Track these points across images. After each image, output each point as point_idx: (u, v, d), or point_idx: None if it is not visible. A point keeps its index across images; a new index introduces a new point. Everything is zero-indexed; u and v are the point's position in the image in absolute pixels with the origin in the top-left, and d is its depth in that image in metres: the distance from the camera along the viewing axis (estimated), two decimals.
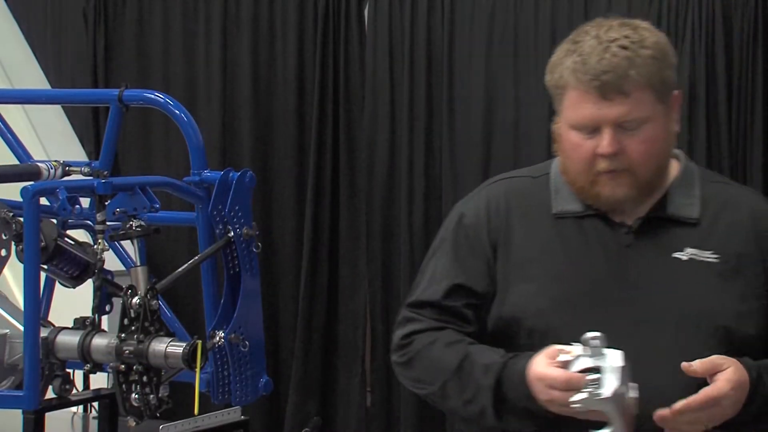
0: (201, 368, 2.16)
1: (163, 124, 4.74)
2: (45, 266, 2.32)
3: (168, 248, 4.61)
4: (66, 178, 2.59)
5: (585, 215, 1.87)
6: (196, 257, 2.44)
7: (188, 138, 2.57)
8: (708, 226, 1.86)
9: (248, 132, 4.83)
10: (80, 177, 2.53)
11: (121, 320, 2.18)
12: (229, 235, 2.42)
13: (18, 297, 2.71)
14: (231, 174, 2.44)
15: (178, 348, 2.16)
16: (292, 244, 4.83)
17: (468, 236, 1.93)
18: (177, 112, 2.58)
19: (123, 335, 2.17)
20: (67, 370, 2.27)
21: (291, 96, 4.82)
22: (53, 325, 2.31)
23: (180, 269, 2.38)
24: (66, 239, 2.35)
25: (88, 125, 4.88)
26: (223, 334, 2.36)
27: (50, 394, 2.24)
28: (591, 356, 1.67)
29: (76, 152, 4.76)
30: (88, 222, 2.68)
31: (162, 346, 2.16)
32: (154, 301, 2.20)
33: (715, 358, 1.72)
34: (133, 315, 2.18)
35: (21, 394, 2.14)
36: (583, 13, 4.51)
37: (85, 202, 2.45)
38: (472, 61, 4.57)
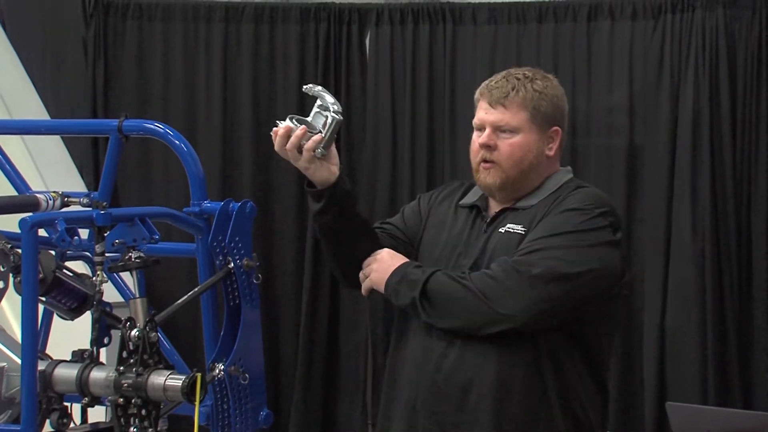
0: (200, 401, 2.15)
1: (163, 155, 4.75)
2: (43, 298, 2.31)
3: (167, 280, 4.61)
4: (65, 209, 2.58)
5: (472, 206, 2.67)
6: (196, 289, 2.43)
7: (188, 168, 2.57)
8: (531, 210, 2.56)
9: (249, 162, 4.84)
10: (79, 208, 2.53)
11: (120, 353, 2.17)
12: (230, 266, 2.41)
13: (16, 329, 2.71)
14: (231, 205, 2.44)
15: (177, 381, 2.15)
16: (292, 275, 4.83)
17: (418, 205, 2.78)
18: (177, 142, 2.58)
19: (121, 368, 2.16)
20: (65, 403, 2.26)
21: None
22: (51, 358, 2.30)
23: (179, 301, 2.37)
24: (64, 271, 2.35)
25: (88, 155, 4.89)
26: (222, 367, 2.36)
27: (48, 428, 2.23)
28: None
29: (75, 183, 4.77)
30: (87, 253, 2.68)
31: (161, 378, 2.15)
32: (153, 334, 2.19)
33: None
34: (131, 347, 2.17)
35: (18, 428, 2.13)
36: (585, 42, 4.53)
37: (84, 233, 2.45)
38: (473, 89, 4.56)
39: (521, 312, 2.43)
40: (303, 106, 4.82)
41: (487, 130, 2.58)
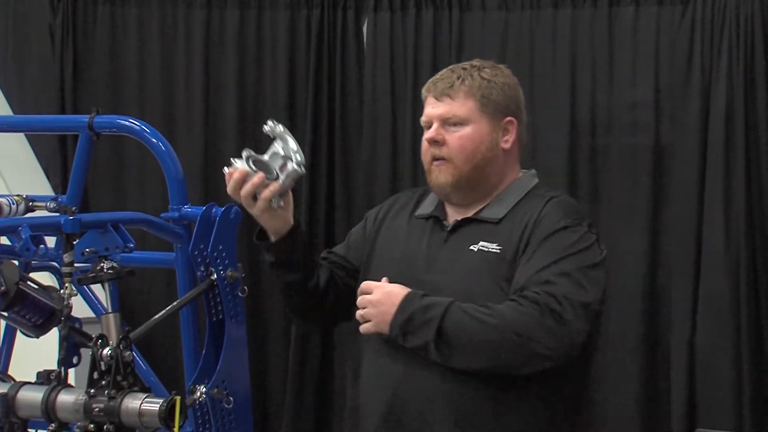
0: (180, 427, 2.15)
1: (138, 154, 4.75)
2: (5, 313, 2.32)
3: (143, 293, 4.61)
4: (29, 215, 2.59)
5: (429, 217, 2.70)
6: (175, 303, 2.44)
7: (166, 169, 2.58)
8: (503, 225, 2.60)
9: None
10: (45, 213, 2.54)
11: (91, 374, 2.17)
12: (212, 277, 2.42)
13: None
14: (214, 209, 2.45)
15: (154, 405, 2.15)
16: None
17: (362, 224, 2.85)
18: (154, 140, 2.59)
19: (92, 391, 2.16)
20: (29, 430, 2.26)
21: (281, 122, 4.82)
22: (14, 380, 2.30)
23: (157, 316, 2.37)
24: (29, 283, 2.35)
25: (55, 155, 4.89)
26: (204, 389, 2.36)
27: None
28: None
29: (40, 185, 4.77)
30: (54, 264, 2.68)
31: (136, 402, 2.15)
32: (128, 352, 2.19)
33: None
34: (103, 368, 2.17)
35: None
36: (606, 30, 4.53)
37: (50, 241, 2.45)
38: None
39: (559, 350, 2.48)
40: (292, 101, 4.82)
41: (435, 125, 2.64)
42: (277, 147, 2.54)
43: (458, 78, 2.64)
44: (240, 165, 2.52)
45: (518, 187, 2.69)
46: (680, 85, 4.44)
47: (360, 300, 2.57)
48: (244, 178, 2.51)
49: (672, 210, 4.47)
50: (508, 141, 2.66)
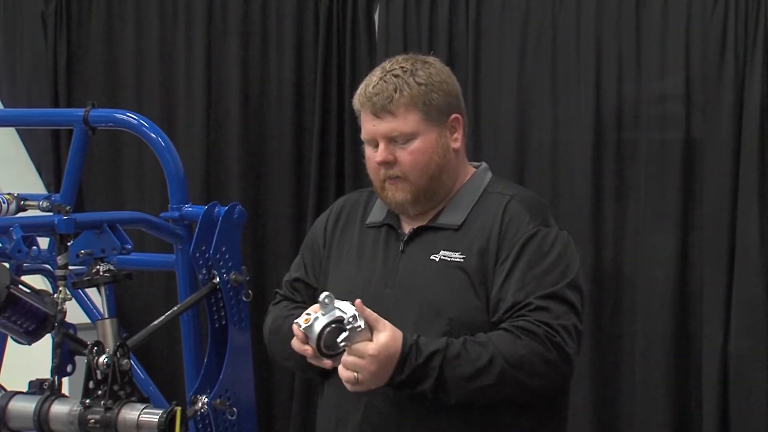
0: None
1: (136, 150, 4.76)
2: None
3: (141, 297, 4.61)
4: (21, 214, 2.60)
5: (382, 225, 2.68)
6: (175, 308, 2.44)
7: (166, 166, 2.59)
8: (464, 231, 2.61)
9: (237, 159, 4.85)
10: (38, 213, 2.54)
11: (86, 383, 2.18)
12: (215, 281, 2.42)
13: None
14: (217, 209, 2.45)
15: (153, 416, 2.16)
16: None
17: (313, 238, 2.77)
18: (153, 135, 2.59)
19: (88, 401, 2.17)
20: None
21: (287, 117, 4.84)
22: (5, 389, 2.31)
23: (156, 322, 2.38)
24: (20, 287, 2.36)
25: (48, 151, 4.90)
26: (206, 400, 2.36)
27: None
28: (324, 314, 2.35)
29: (32, 183, 4.78)
30: (47, 266, 2.69)
31: (134, 414, 2.16)
32: (125, 360, 2.20)
33: (379, 319, 2.39)
34: (99, 377, 2.18)
35: None
36: (633, 17, 4.52)
37: (43, 242, 2.46)
38: (501, 74, 4.58)
39: (558, 381, 2.54)
40: (299, 95, 4.82)
41: (381, 145, 2.60)
42: (342, 314, 2.38)
43: (395, 90, 2.58)
44: (314, 336, 2.37)
45: (472, 187, 2.69)
46: (713, 76, 4.43)
47: (351, 362, 2.37)
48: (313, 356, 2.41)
49: (703, 209, 4.46)
50: (457, 139, 2.66)
